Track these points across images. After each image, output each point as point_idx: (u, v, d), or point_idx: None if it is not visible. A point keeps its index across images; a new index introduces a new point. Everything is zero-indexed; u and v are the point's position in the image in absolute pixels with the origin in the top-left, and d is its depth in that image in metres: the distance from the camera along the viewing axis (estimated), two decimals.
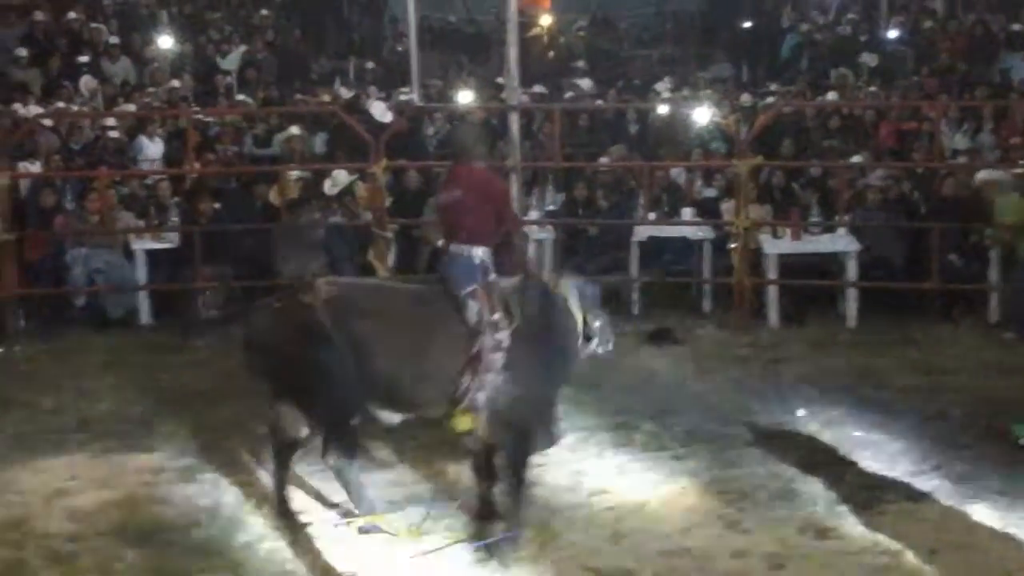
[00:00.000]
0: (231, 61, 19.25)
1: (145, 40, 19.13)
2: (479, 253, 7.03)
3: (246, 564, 6.74)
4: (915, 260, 12.10)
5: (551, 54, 21.31)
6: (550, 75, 19.35)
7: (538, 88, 17.34)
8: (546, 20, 21.60)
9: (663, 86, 18.19)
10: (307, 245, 12.21)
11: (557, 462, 8.14)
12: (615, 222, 12.76)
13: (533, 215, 13.01)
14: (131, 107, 16.02)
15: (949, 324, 11.65)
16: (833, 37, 20.38)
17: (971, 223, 12.01)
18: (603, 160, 14.17)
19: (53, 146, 14.31)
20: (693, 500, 7.65)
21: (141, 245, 12.43)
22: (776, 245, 12.13)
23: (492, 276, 7.07)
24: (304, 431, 7.10)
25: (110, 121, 14.98)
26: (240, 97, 17.31)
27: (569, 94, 17.57)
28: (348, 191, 12.70)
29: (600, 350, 7.56)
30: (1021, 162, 12.90)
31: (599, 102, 16.98)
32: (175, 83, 17.24)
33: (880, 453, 8.35)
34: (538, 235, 12.71)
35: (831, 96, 16.69)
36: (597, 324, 7.46)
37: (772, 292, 11.96)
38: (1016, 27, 18.78)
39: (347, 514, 7.19)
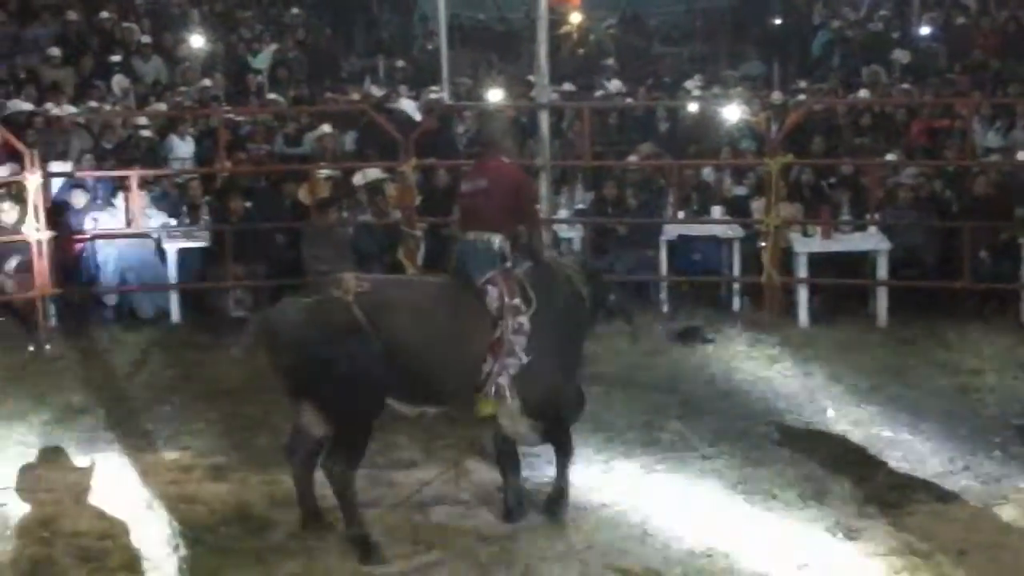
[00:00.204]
0: (262, 60, 19.30)
1: (177, 39, 19.20)
2: (497, 240, 7.13)
3: (275, 563, 6.76)
4: (946, 259, 12.03)
5: (581, 52, 21.27)
6: (580, 73, 19.33)
7: (568, 86, 17.33)
8: (576, 18, 21.57)
9: (693, 84, 18.14)
10: (336, 244, 12.24)
11: (585, 461, 8.15)
12: (644, 220, 12.73)
13: (562, 213, 13.00)
14: (162, 106, 16.10)
15: (980, 323, 11.57)
16: (865, 34, 20.25)
17: (1003, 221, 11.94)
18: (632, 158, 14.15)
19: (86, 145, 14.41)
20: (721, 499, 7.62)
21: (172, 244, 12.49)
22: (806, 244, 12.09)
23: (508, 263, 7.17)
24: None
25: (142, 120, 15.06)
26: (271, 96, 17.36)
27: (599, 92, 17.54)
28: (377, 188, 12.73)
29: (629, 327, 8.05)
30: None
31: (629, 100, 16.94)
32: (206, 82, 17.31)
33: (910, 453, 8.32)
34: (567, 234, 12.71)
35: (862, 94, 16.60)
36: (612, 299, 7.65)
37: (802, 291, 11.92)
38: None
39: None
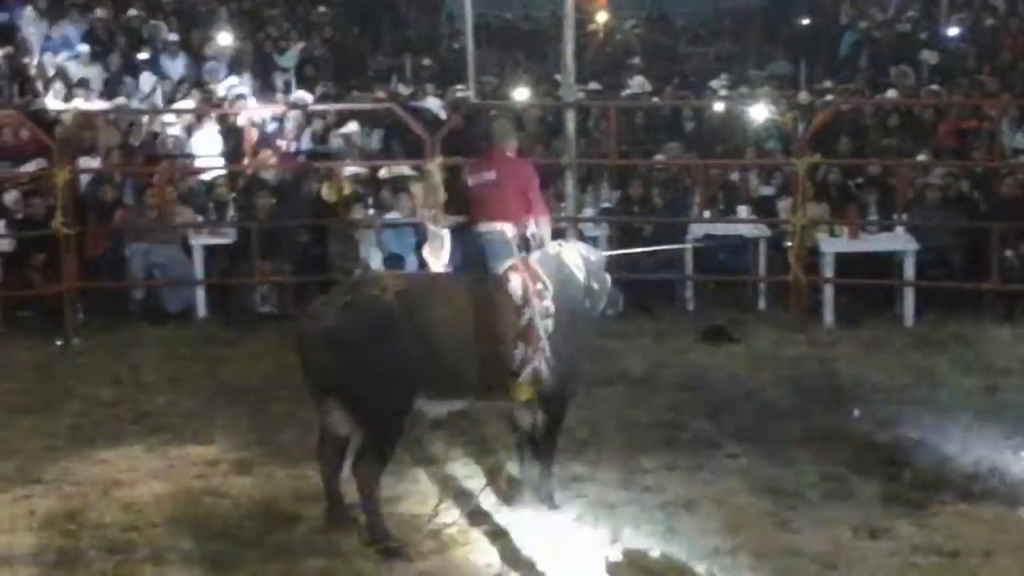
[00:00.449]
0: (289, 58, 19.36)
1: (204, 37, 19.26)
2: (509, 230, 7.21)
3: (299, 558, 6.76)
4: (974, 260, 11.98)
5: (607, 51, 21.26)
6: (606, 72, 19.31)
7: (594, 85, 17.31)
8: (603, 17, 21.57)
9: (719, 83, 18.11)
10: (363, 242, 12.28)
11: (610, 458, 8.16)
12: (670, 220, 12.71)
13: (588, 212, 12.99)
14: (189, 104, 16.16)
15: (1007, 324, 11.51)
16: (892, 35, 20.18)
17: None
18: (659, 158, 14.13)
19: (113, 142, 14.47)
20: (746, 499, 7.60)
21: (199, 240, 12.54)
22: (833, 244, 12.05)
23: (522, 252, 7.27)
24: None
25: (169, 117, 15.12)
26: (298, 93, 17.38)
27: (626, 91, 17.53)
28: (402, 186, 12.76)
29: (610, 311, 7.94)
30: None
31: (655, 99, 16.91)
32: (233, 80, 17.36)
33: (936, 454, 8.27)
34: (592, 232, 12.70)
35: (890, 94, 16.54)
36: (598, 287, 7.60)
37: (828, 291, 11.88)
38: None
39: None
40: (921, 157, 13.70)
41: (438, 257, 11.84)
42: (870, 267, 12.10)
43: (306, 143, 15.37)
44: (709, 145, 15.17)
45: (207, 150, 14.82)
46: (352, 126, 14.80)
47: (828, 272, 11.93)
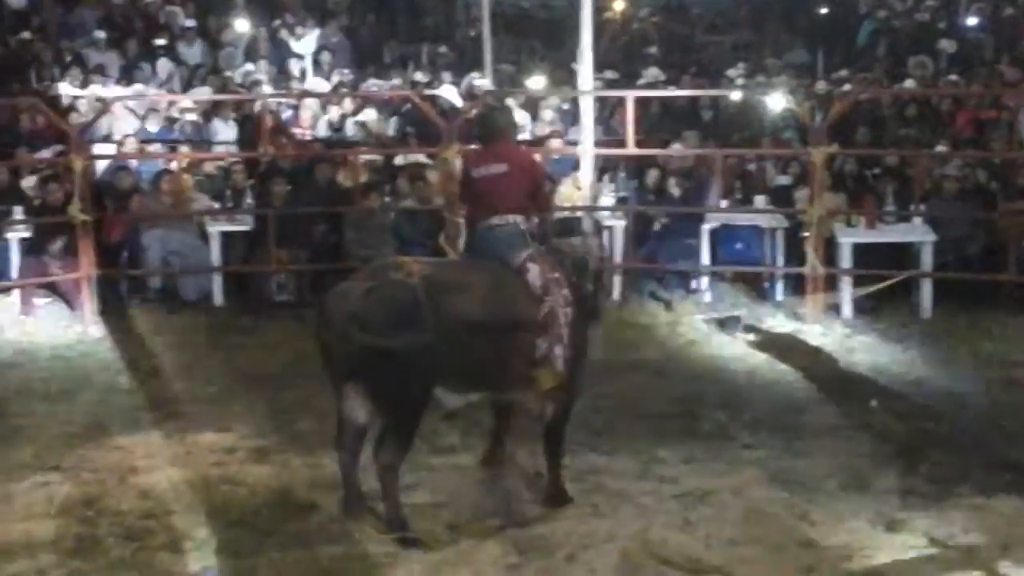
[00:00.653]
0: (305, 45, 19.36)
1: (220, 24, 19.29)
2: (522, 221, 7.23)
3: (316, 546, 6.77)
4: (992, 251, 11.93)
5: (624, 39, 21.19)
6: (623, 61, 19.27)
7: (610, 74, 17.27)
8: (620, 5, 21.51)
9: (736, 72, 18.06)
10: (379, 229, 12.29)
11: (626, 449, 8.16)
12: (686, 209, 12.69)
13: (604, 202, 12.97)
14: (206, 90, 16.18)
15: None
16: (911, 24, 20.11)
17: None
18: (676, 147, 14.10)
19: (130, 128, 14.50)
20: (762, 490, 7.57)
21: (216, 227, 12.54)
22: (850, 234, 12.01)
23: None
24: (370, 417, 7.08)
25: (186, 104, 15.14)
26: (314, 80, 17.41)
27: (642, 80, 17.49)
28: (419, 174, 12.76)
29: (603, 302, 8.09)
30: None
31: (672, 88, 16.87)
32: (249, 66, 17.38)
33: (953, 446, 8.25)
34: (609, 222, 12.68)
35: (908, 84, 16.47)
36: (597, 279, 7.70)
37: (845, 281, 11.85)
38: None
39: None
40: (939, 148, 13.63)
41: (454, 245, 11.96)
42: (888, 258, 12.03)
43: (323, 131, 15.40)
44: (726, 134, 15.14)
45: (224, 137, 14.85)
46: (369, 114, 14.80)
47: (845, 263, 11.89)
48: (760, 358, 10.47)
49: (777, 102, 14.41)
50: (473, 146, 9.31)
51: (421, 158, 13.41)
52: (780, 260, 12.45)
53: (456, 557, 6.66)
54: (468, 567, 6.55)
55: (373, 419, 6.98)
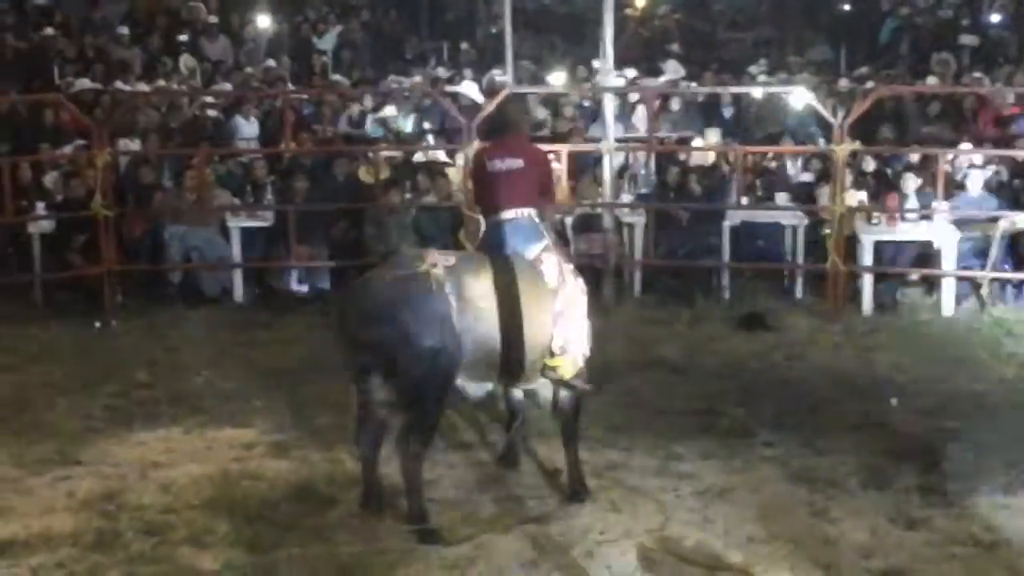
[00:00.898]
0: (327, 41, 19.41)
1: (243, 19, 19.35)
2: (536, 215, 7.29)
3: (335, 540, 6.79)
4: (1014, 248, 11.87)
5: (644, 34, 21.16)
6: (644, 58, 19.24)
7: (630, 72, 17.24)
8: (641, 1, 21.48)
9: (758, 69, 18.01)
10: (398, 225, 12.30)
11: (645, 446, 8.15)
12: (707, 206, 12.67)
13: (625, 198, 12.96)
14: (228, 86, 16.22)
15: None
16: (934, 21, 20.02)
17: None
18: (697, 143, 14.07)
19: (153, 124, 14.56)
20: (781, 487, 7.57)
21: (237, 223, 12.57)
22: (872, 232, 11.97)
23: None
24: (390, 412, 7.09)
25: (208, 99, 15.18)
26: (335, 77, 17.44)
27: (663, 77, 17.46)
28: (439, 170, 12.77)
29: None
30: None
31: (693, 85, 16.84)
32: (271, 63, 17.42)
33: (974, 444, 8.20)
34: (629, 218, 12.68)
35: (931, 81, 16.41)
36: None
37: (866, 279, 11.82)
38: None
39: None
40: (965, 145, 13.57)
41: (474, 241, 11.97)
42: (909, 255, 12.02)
43: (343, 126, 15.43)
44: (748, 131, 15.10)
45: (245, 133, 14.89)
46: (389, 110, 14.82)
47: (867, 260, 11.85)
48: (780, 355, 10.44)
49: (799, 99, 14.37)
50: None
51: (441, 154, 13.42)
52: (801, 257, 12.41)
53: (474, 553, 6.68)
54: (486, 563, 6.57)
55: (394, 413, 6.99)
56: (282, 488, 7.56)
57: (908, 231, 12.13)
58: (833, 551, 6.70)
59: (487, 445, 8.19)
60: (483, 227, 7.51)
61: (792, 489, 7.54)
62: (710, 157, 13.62)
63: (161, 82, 16.32)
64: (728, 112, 15.98)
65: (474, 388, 7.17)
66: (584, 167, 13.19)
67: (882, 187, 12.68)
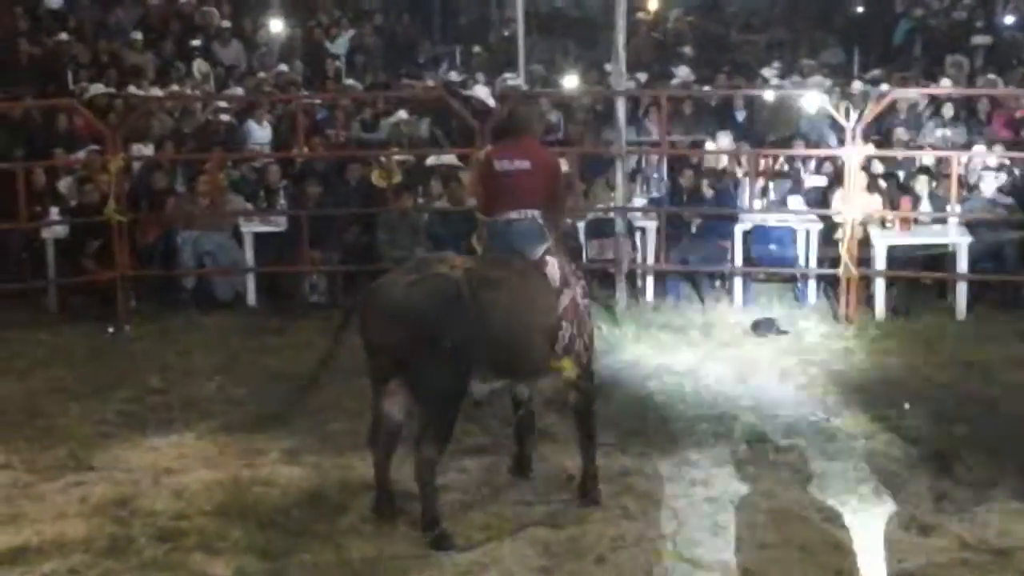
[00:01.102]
0: (340, 45, 19.44)
1: (256, 24, 19.39)
2: (540, 216, 7.29)
3: (347, 546, 6.80)
4: None
5: (656, 36, 21.14)
6: (656, 61, 19.23)
7: (641, 76, 17.24)
8: (654, 5, 21.48)
9: (771, 72, 17.99)
10: (411, 230, 12.31)
11: (658, 452, 8.14)
12: (719, 210, 12.64)
13: (637, 202, 12.94)
14: (240, 91, 16.26)
15: None
16: (947, 23, 19.97)
17: None
18: (709, 147, 14.07)
19: (166, 129, 14.59)
20: (794, 493, 7.56)
21: (249, 228, 12.59)
22: (885, 236, 11.94)
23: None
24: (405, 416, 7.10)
25: (221, 104, 15.21)
26: (348, 81, 17.46)
27: (675, 80, 17.45)
28: (452, 175, 12.78)
29: None
30: None
31: (706, 88, 16.81)
32: (284, 67, 17.45)
33: (986, 450, 8.17)
34: (641, 222, 12.66)
35: (945, 83, 16.37)
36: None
37: (879, 283, 11.79)
38: None
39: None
40: (979, 147, 13.53)
41: (481, 243, 11.97)
42: (923, 259, 11.97)
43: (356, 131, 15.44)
44: (760, 134, 15.08)
45: (258, 138, 14.91)
46: (402, 114, 14.84)
47: (880, 264, 11.82)
48: (793, 360, 10.41)
49: (812, 102, 14.34)
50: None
51: (453, 159, 13.42)
52: (814, 261, 12.39)
53: (487, 558, 6.68)
54: (499, 569, 6.58)
55: (409, 417, 7.02)
56: (294, 494, 7.57)
57: (921, 234, 12.08)
58: (845, 557, 6.69)
59: (499, 450, 8.18)
60: (487, 227, 7.49)
61: (805, 495, 7.53)
62: (722, 161, 13.59)
63: (174, 87, 16.36)
64: (741, 115, 15.96)
65: (479, 387, 7.17)
66: (596, 171, 13.18)
67: (895, 190, 12.64)
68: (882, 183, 12.62)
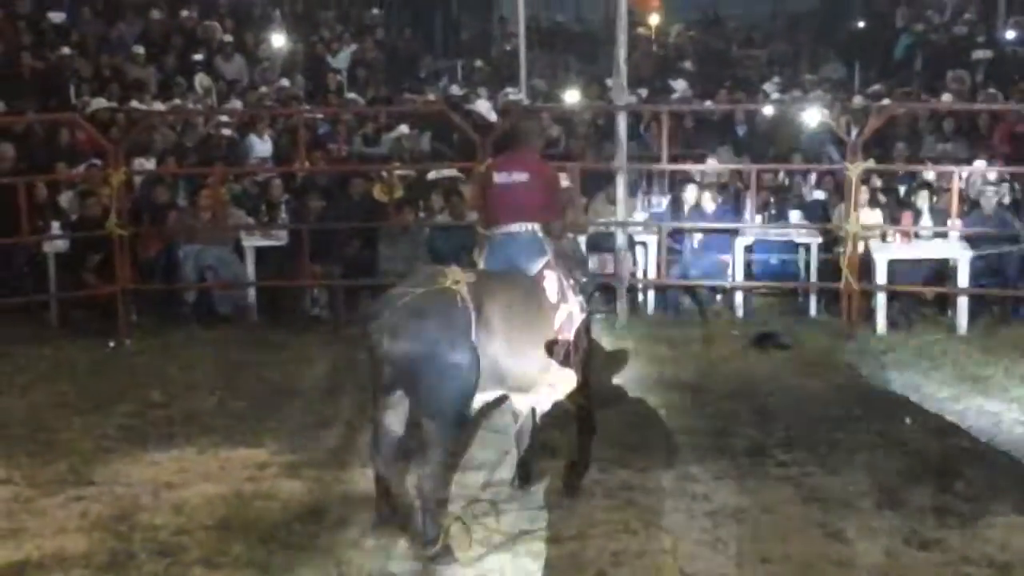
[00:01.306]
0: (342, 60, 19.49)
1: (258, 39, 19.43)
2: (539, 229, 7.34)
3: (349, 562, 6.79)
4: None
5: (657, 51, 21.21)
6: (656, 75, 19.27)
7: (642, 91, 17.27)
8: (654, 20, 21.54)
9: (772, 86, 18.02)
10: (412, 244, 12.33)
11: (658, 466, 8.13)
12: (720, 225, 12.66)
13: (638, 217, 12.96)
14: (241, 105, 16.30)
15: None
16: (948, 37, 20.01)
17: None
18: (710, 162, 14.09)
19: (168, 143, 14.61)
20: (794, 507, 7.54)
21: (251, 242, 12.61)
22: (885, 250, 11.95)
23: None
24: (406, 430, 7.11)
25: (223, 118, 15.24)
26: (350, 96, 17.49)
27: (676, 94, 17.49)
28: (453, 189, 12.80)
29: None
30: None
31: (707, 103, 16.84)
32: (285, 81, 17.48)
33: (988, 464, 8.18)
34: (642, 237, 12.67)
35: (946, 98, 16.39)
36: (585, 281, 7.80)
37: (880, 297, 11.79)
38: None
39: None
40: (979, 163, 13.54)
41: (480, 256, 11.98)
42: (923, 273, 11.99)
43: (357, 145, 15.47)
44: (761, 149, 15.10)
45: (259, 152, 14.93)
46: (403, 129, 14.86)
47: (880, 279, 11.83)
48: (794, 374, 10.42)
49: (813, 117, 14.36)
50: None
51: (455, 173, 13.44)
52: (815, 275, 12.40)
53: (487, 573, 6.66)
54: None
55: (411, 431, 7.00)
56: (295, 508, 7.55)
57: (922, 249, 12.09)
58: (846, 572, 6.67)
59: (501, 465, 8.17)
60: (487, 240, 7.51)
61: (806, 509, 7.51)
62: (723, 175, 13.60)
63: (176, 101, 16.39)
64: (742, 130, 15.99)
65: (476, 399, 7.17)
66: (597, 186, 13.20)
67: (896, 205, 12.65)
68: (882, 198, 12.63)
